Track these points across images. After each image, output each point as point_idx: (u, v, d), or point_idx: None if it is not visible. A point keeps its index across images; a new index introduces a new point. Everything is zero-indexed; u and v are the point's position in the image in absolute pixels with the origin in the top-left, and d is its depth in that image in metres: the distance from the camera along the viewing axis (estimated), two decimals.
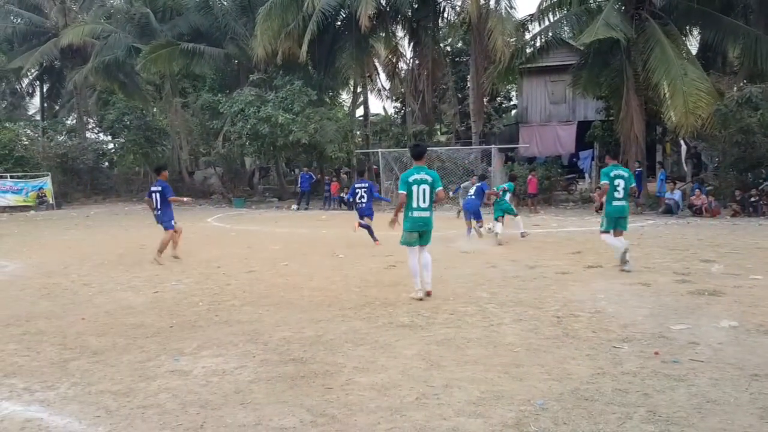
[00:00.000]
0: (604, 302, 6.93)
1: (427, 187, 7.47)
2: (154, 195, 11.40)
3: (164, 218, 11.28)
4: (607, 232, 9.46)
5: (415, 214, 7.48)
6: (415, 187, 7.44)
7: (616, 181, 9.30)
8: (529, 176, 23.04)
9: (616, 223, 9.37)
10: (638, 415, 3.76)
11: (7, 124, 33.05)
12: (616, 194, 9.31)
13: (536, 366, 4.73)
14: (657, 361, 4.83)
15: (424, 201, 7.46)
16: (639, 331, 5.67)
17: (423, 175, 7.48)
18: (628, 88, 20.75)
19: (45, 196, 29.14)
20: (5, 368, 5.00)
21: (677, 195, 20.13)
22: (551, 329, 5.81)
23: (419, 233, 7.56)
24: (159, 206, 11.29)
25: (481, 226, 13.87)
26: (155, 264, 10.67)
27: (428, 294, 7.49)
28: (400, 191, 7.57)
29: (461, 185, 17.57)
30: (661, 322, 6.00)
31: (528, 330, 5.80)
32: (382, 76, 38.17)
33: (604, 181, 9.44)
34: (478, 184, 14.36)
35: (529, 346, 5.26)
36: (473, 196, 14.09)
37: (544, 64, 26.39)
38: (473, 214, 13.95)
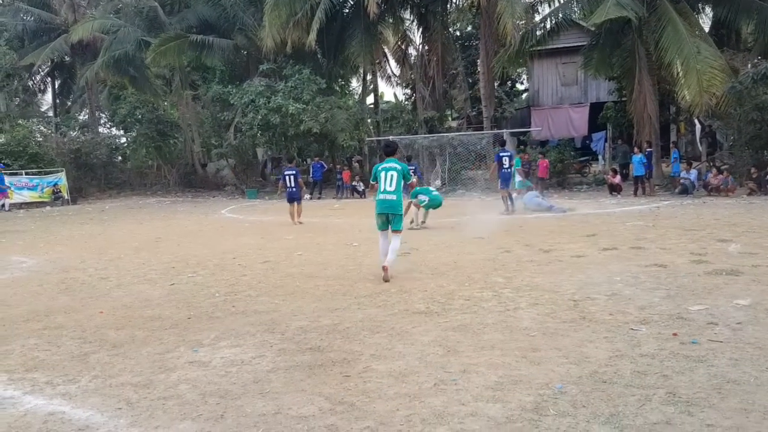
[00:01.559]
0: (620, 284, 6.90)
1: (394, 173, 8.18)
2: (288, 177, 15.80)
3: (297, 195, 15.83)
4: None
5: (381, 196, 8.17)
6: (383, 174, 8.22)
7: None
8: (539, 160, 22.91)
9: None
10: (657, 397, 3.75)
11: (21, 121, 33.33)
12: None
13: (554, 350, 4.72)
14: (675, 342, 4.80)
15: (390, 185, 8.14)
16: (656, 313, 5.64)
17: (391, 164, 8.28)
18: (640, 68, 20.54)
19: (60, 191, 29.36)
20: (27, 363, 5.06)
21: (693, 174, 19.97)
22: (568, 313, 5.79)
23: (387, 216, 8.14)
24: (293, 185, 15.74)
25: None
26: (298, 225, 15.02)
27: (384, 269, 7.87)
28: (371, 181, 8.54)
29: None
30: (678, 303, 5.97)
31: (544, 314, 5.79)
32: (392, 62, 38.05)
33: None
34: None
35: (546, 330, 5.25)
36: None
37: (555, 46, 26.17)
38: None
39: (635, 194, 19.75)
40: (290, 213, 15.92)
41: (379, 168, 8.35)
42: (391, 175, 8.19)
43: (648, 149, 20.69)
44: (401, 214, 8.27)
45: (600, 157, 30.60)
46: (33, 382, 4.59)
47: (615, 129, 27.88)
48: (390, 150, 8.66)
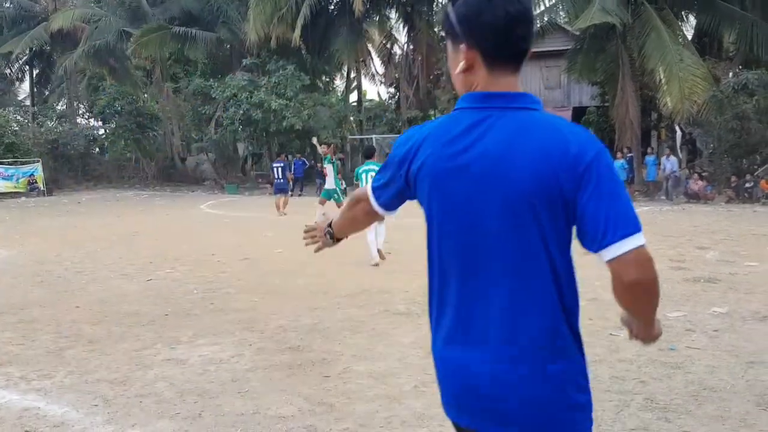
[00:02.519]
0: (600, 289, 6.93)
1: (373, 174, 8.19)
2: (276, 169, 17.16)
3: (285, 186, 17.21)
4: None
5: None
6: (364, 175, 9.41)
7: None
8: None
9: None
10: (635, 403, 3.78)
11: None
12: None
13: None
14: (653, 348, 4.82)
15: None
16: None
17: (371, 167, 9.42)
18: (623, 74, 20.70)
19: (36, 182, 28.91)
20: (1, 357, 4.97)
21: (673, 163, 20.12)
22: None
23: None
24: (281, 177, 17.12)
25: None
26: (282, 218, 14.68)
27: (379, 252, 9.22)
28: (355, 181, 10.14)
29: None
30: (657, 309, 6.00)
31: None
32: (377, 61, 38.02)
33: None
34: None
35: None
36: None
37: (539, 50, 26.22)
38: None
39: None
40: (276, 204, 16.88)
41: (360, 170, 9.68)
42: (371, 176, 8.60)
43: (629, 154, 20.89)
44: None
45: None
46: (7, 376, 4.52)
47: (597, 133, 28.04)
48: (369, 153, 10.30)
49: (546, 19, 22.90)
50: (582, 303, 5.17)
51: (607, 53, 21.91)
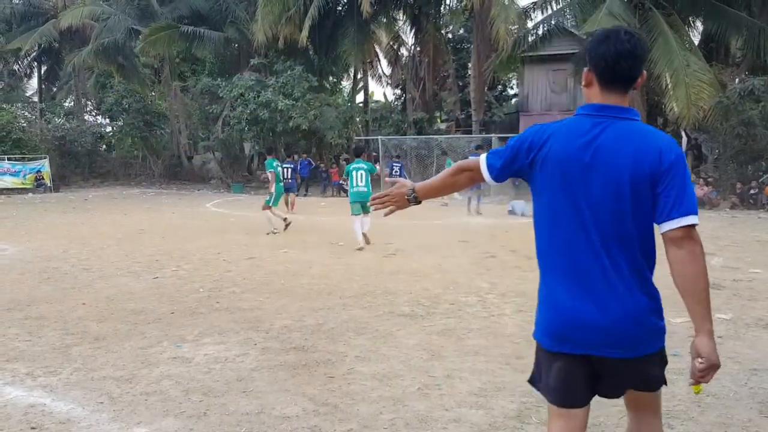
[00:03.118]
0: None
1: (363, 171, 10.99)
2: (285, 170, 17.10)
3: (293, 186, 18.10)
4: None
5: (355, 189, 10.91)
6: (354, 172, 10.98)
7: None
8: None
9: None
10: None
11: (5, 106, 32.91)
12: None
13: None
14: None
15: (361, 180, 10.93)
16: None
17: (360, 165, 11.10)
18: None
19: (43, 178, 29.05)
20: (7, 353, 5.01)
21: None
22: None
23: (360, 204, 10.62)
24: (290, 177, 18.14)
25: None
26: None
27: (365, 236, 10.82)
28: (344, 176, 12.15)
29: None
30: None
31: (529, 321, 5.80)
32: (383, 62, 38.09)
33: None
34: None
35: (530, 338, 5.22)
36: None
37: (546, 53, 26.28)
38: None
39: None
40: (284, 201, 16.78)
41: (351, 167, 11.13)
42: (361, 174, 10.99)
43: None
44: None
45: None
46: (13, 372, 4.55)
47: None
48: (358, 152, 12.00)
49: (553, 22, 22.90)
50: None
51: None
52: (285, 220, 12.92)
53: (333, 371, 4.49)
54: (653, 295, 2.21)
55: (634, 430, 2.39)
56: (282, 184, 13.39)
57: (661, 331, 2.22)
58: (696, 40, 23.36)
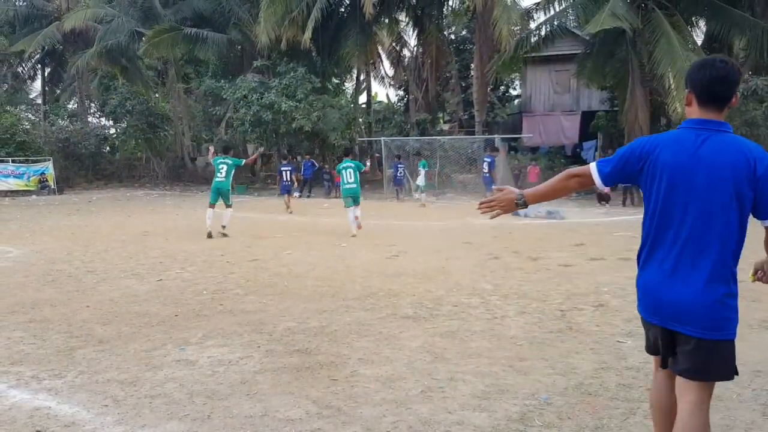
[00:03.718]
0: (607, 296, 6.96)
1: (351, 170, 12.88)
2: (285, 173, 19.36)
3: (290, 187, 19.42)
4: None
5: (346, 186, 12.93)
6: (344, 171, 12.97)
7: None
8: (530, 166, 22.98)
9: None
10: (642, 411, 3.79)
11: (9, 108, 33.02)
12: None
13: (540, 360, 4.76)
14: None
15: (350, 178, 12.86)
16: (642, 326, 5.68)
17: (348, 164, 13.04)
18: (633, 79, 20.71)
19: (47, 180, 29.12)
20: (12, 356, 5.03)
21: None
22: (555, 323, 5.83)
23: (351, 197, 12.75)
24: (288, 180, 19.29)
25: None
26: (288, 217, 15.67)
27: (358, 223, 12.71)
28: (337, 174, 14.72)
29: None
30: None
31: (532, 323, 5.83)
32: (386, 63, 38.14)
33: None
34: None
35: (533, 340, 5.29)
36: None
37: (549, 54, 26.32)
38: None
39: (624, 204, 19.89)
40: (285, 202, 19.00)
41: (341, 167, 13.16)
42: (350, 171, 12.89)
43: None
44: (359, 195, 13.08)
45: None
46: (18, 375, 4.56)
47: (606, 138, 28.06)
48: (346, 152, 14.61)
49: (556, 23, 22.89)
50: (589, 310, 5.23)
51: (616, 58, 21.93)
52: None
53: (336, 374, 4.50)
54: (731, 289, 2.55)
55: (679, 419, 2.67)
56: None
57: (730, 322, 2.55)
58: (699, 41, 23.32)
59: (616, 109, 24.92)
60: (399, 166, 23.91)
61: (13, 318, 6.24)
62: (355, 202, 12.69)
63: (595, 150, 29.14)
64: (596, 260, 9.43)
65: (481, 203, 3.09)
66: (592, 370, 4.51)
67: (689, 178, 2.52)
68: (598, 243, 11.35)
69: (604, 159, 2.82)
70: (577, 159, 31.14)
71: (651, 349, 2.84)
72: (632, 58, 20.72)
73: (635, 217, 16.50)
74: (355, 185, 12.75)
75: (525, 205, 2.98)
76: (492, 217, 3.10)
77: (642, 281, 2.79)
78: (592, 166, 2.84)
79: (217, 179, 12.88)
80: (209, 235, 12.34)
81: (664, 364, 2.74)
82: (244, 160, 15.10)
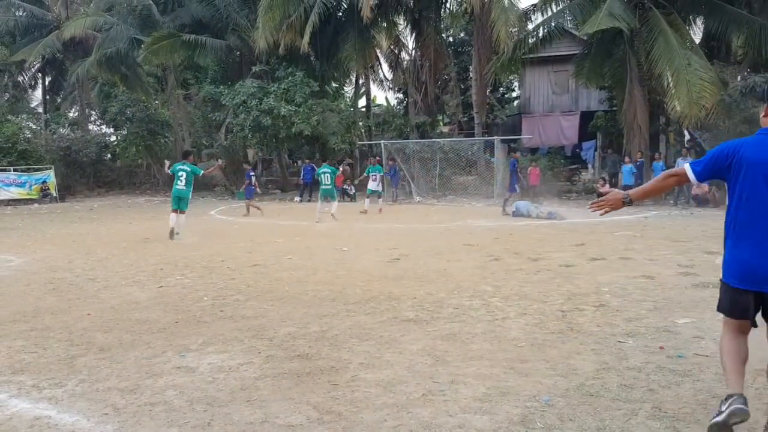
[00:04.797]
0: (608, 296, 6.94)
1: (329, 174, 16.98)
2: (251, 177, 19.98)
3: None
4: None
5: (323, 187, 17.07)
6: (322, 175, 17.11)
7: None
8: (530, 167, 22.97)
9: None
10: (644, 411, 3.78)
11: (10, 117, 33.07)
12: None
13: (541, 361, 4.75)
14: (662, 355, 4.84)
15: (327, 180, 17.01)
16: (643, 326, 5.69)
17: (326, 169, 17.11)
18: (631, 79, 20.70)
19: (48, 189, 29.17)
20: (13, 365, 5.02)
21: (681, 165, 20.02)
22: (556, 323, 5.82)
23: (326, 196, 17.08)
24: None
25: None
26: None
27: (333, 215, 16.32)
28: (316, 177, 18.09)
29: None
30: (665, 315, 6.01)
31: (533, 324, 5.82)
32: (385, 66, 38.12)
33: None
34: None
35: (534, 341, 5.28)
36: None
37: (547, 55, 26.34)
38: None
39: None
40: (246, 205, 19.69)
41: (320, 171, 17.36)
42: (327, 176, 16.99)
43: (639, 159, 20.83)
44: (335, 195, 17.47)
45: (590, 166, 30.76)
46: (19, 384, 4.56)
47: (605, 138, 28.06)
48: (325, 158, 16.36)
49: (553, 24, 22.90)
50: (590, 310, 5.23)
51: (614, 58, 21.94)
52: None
53: (337, 378, 4.49)
54: None
55: None
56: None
57: None
58: (697, 39, 23.30)
59: (614, 108, 24.90)
60: (394, 169, 24.05)
61: (14, 327, 6.23)
62: (332, 199, 17.17)
63: (595, 150, 29.14)
64: (597, 260, 9.41)
65: (592, 203, 3.89)
66: (594, 371, 4.50)
67: (766, 171, 3.26)
68: (598, 243, 11.34)
69: (695, 160, 3.55)
70: (577, 159, 31.17)
71: (737, 313, 3.44)
72: (630, 58, 20.72)
73: (635, 217, 16.50)
74: (330, 187, 17.02)
75: (631, 203, 3.72)
76: (601, 214, 3.86)
77: (736, 258, 3.40)
78: (687, 167, 3.55)
79: (177, 186, 13.44)
80: (171, 234, 13.19)
81: (753, 323, 3.47)
82: (202, 171, 15.13)
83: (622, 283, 7.64)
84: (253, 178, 20.32)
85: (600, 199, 3.80)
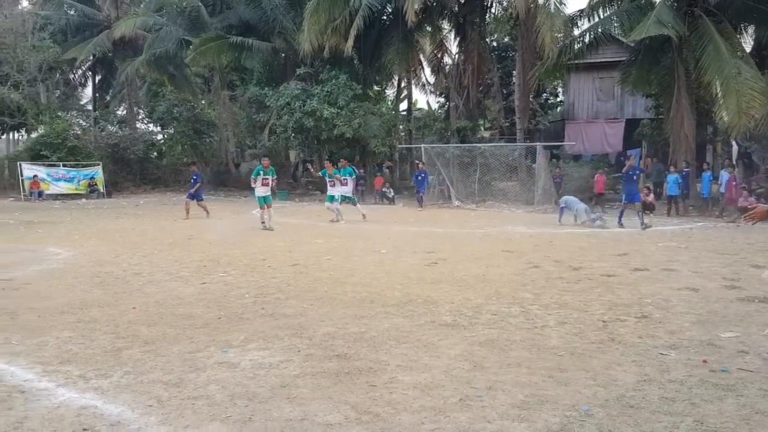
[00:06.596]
0: (650, 307, 6.84)
1: (263, 176, 15.71)
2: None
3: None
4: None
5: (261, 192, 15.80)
6: (257, 176, 15.75)
7: None
8: (597, 175, 22.56)
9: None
10: (685, 425, 3.72)
11: (60, 114, 34.07)
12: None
13: (581, 371, 4.71)
14: (705, 369, 4.75)
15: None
16: (686, 338, 5.59)
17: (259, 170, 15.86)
18: (679, 87, 20.30)
19: (96, 184, 29.95)
20: (61, 355, 5.18)
21: (724, 177, 19.52)
22: (596, 333, 5.76)
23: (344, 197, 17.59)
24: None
25: None
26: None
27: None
28: (254, 177, 16.14)
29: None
30: (709, 329, 5.90)
31: (573, 333, 5.76)
32: (427, 70, 38.12)
33: None
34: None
35: (573, 350, 5.23)
36: None
37: (593, 61, 26.00)
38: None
39: (668, 214, 19.47)
40: (185, 207, 19.37)
41: (261, 172, 15.84)
42: (262, 178, 15.70)
43: (685, 168, 20.41)
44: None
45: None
46: (66, 374, 4.70)
47: (650, 147, 27.56)
48: (263, 158, 16.97)
49: (600, 30, 22.58)
50: (631, 321, 5.19)
51: (662, 65, 21.54)
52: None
53: (375, 380, 4.53)
54: None
55: None
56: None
57: None
58: (748, 48, 22.72)
59: (661, 117, 24.45)
60: (421, 174, 23.84)
61: (62, 318, 6.43)
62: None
63: (639, 158, 28.61)
64: (640, 270, 9.26)
65: (745, 216, 4.74)
66: (634, 383, 4.44)
67: None
68: (641, 253, 11.15)
69: None
70: (621, 167, 30.62)
71: None
72: (678, 66, 20.31)
73: (680, 227, 16.17)
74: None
75: None
76: (753, 223, 4.70)
77: None
78: None
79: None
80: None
81: None
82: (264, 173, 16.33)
83: (665, 294, 7.51)
84: (194, 181, 19.57)
85: (754, 211, 4.62)
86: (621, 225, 15.85)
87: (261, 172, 15.87)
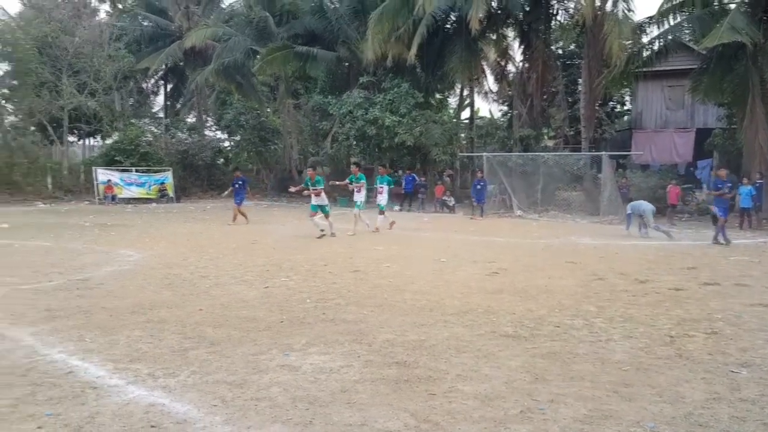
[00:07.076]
0: (721, 323, 6.59)
1: (318, 188, 15.14)
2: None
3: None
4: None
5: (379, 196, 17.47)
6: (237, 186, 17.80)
7: None
8: (670, 186, 21.93)
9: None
10: None
11: (134, 121, 35.45)
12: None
13: (647, 387, 4.58)
14: None
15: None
16: (759, 356, 5.37)
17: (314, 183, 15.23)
18: (753, 95, 19.53)
19: (166, 189, 31.01)
20: (131, 353, 5.38)
21: None
22: (663, 349, 5.59)
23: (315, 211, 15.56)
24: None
25: None
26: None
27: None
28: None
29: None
30: None
31: (638, 348, 5.62)
32: (490, 78, 37.86)
33: None
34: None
35: (639, 365, 5.10)
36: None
37: (662, 69, 25.29)
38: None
39: (741, 227, 18.72)
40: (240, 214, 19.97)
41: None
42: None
43: (759, 180, 19.61)
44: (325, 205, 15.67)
45: (704, 186, 29.22)
46: (136, 372, 4.88)
47: (722, 157, 26.59)
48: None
49: (670, 37, 21.96)
50: (701, 337, 5.04)
51: (735, 73, 20.77)
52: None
53: (434, 388, 4.52)
54: None
55: None
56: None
57: None
58: None
59: (734, 126, 23.57)
60: (480, 183, 23.41)
61: (132, 318, 6.68)
62: (323, 210, 15.37)
63: (711, 169, 27.65)
64: (709, 285, 8.95)
65: None
66: (703, 400, 4.30)
67: None
68: (711, 267, 10.76)
69: None
70: (691, 178, 29.68)
71: None
72: (753, 74, 19.55)
73: (752, 241, 15.53)
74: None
75: None
76: None
77: None
78: None
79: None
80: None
81: None
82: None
83: (736, 310, 7.23)
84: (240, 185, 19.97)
85: None
86: (727, 241, 14.62)
87: (308, 184, 15.44)
